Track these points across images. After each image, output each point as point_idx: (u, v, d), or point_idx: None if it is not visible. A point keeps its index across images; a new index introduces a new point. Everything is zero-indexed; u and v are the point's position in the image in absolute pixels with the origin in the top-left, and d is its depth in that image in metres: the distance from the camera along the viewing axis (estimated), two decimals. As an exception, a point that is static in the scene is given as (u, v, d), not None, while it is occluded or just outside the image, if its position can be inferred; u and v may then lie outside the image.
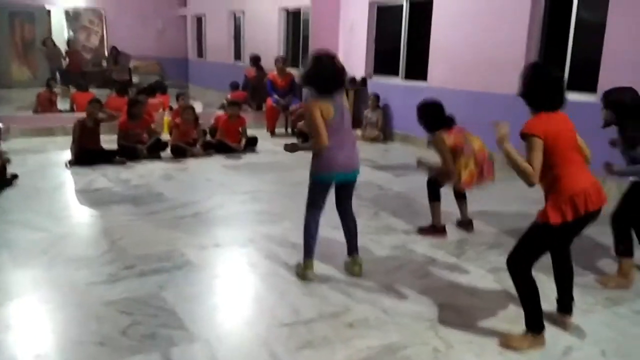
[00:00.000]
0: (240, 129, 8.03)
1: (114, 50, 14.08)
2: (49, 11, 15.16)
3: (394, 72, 9.44)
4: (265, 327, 3.09)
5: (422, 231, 4.73)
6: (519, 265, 2.93)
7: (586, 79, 6.38)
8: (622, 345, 3.05)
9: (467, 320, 3.25)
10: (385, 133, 9.30)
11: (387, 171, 7.04)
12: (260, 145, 8.26)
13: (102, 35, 16.02)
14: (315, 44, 10.38)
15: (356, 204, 3.94)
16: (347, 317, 3.25)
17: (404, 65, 9.33)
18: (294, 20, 11.90)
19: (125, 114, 7.44)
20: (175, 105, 8.81)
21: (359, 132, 9.11)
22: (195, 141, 7.68)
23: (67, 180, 6.27)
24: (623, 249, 3.81)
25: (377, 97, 9.28)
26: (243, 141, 7.99)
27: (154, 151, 7.41)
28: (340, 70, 3.54)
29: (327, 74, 3.48)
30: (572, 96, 6.43)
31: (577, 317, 3.23)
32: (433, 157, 4.71)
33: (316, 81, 3.51)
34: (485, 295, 3.62)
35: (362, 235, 4.02)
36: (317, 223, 3.71)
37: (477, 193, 5.92)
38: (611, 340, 3.08)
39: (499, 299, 3.56)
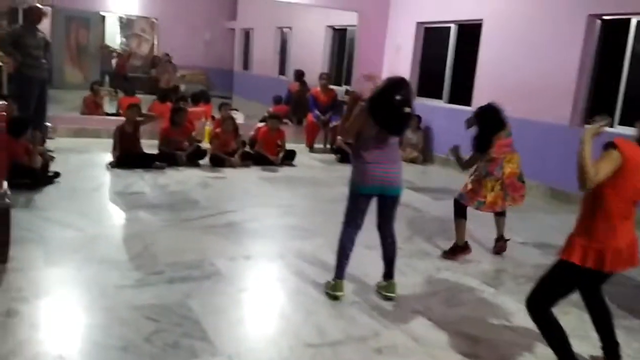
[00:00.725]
0: (279, 141, 8.03)
1: (165, 57, 14.41)
2: (103, 17, 15.65)
3: (438, 95, 9.30)
4: (288, 347, 2.99)
5: (447, 254, 4.62)
6: (539, 305, 2.73)
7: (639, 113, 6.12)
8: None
9: (502, 357, 3.08)
10: (425, 155, 9.16)
11: (424, 193, 6.89)
12: (297, 159, 8.23)
13: (153, 44, 16.41)
14: (361, 63, 10.36)
15: (392, 226, 3.81)
16: (375, 342, 3.12)
17: (448, 88, 9.19)
18: (340, 38, 11.92)
19: (167, 120, 7.55)
20: (217, 115, 8.89)
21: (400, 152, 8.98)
22: (235, 151, 7.71)
23: (106, 181, 6.37)
24: None
25: (419, 119, 9.16)
26: (281, 154, 7.99)
27: (193, 159, 7.46)
28: (396, 120, 3.38)
29: (385, 113, 3.33)
30: (623, 130, 6.23)
31: (623, 363, 3.01)
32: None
33: (372, 108, 3.35)
34: (523, 332, 3.43)
35: (396, 258, 3.89)
36: (353, 243, 3.59)
37: (521, 223, 5.74)
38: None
39: (539, 336, 3.35)
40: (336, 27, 11.91)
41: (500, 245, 4.78)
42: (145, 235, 4.57)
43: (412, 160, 8.92)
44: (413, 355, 3.02)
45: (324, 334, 3.15)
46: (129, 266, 3.88)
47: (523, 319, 3.59)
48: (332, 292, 3.59)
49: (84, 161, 7.19)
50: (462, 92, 8.79)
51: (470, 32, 8.62)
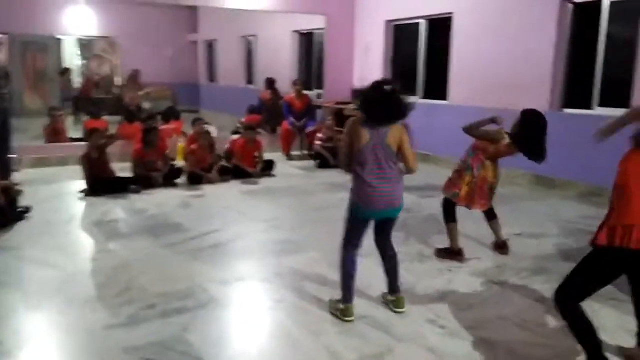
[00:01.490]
0: (256, 153, 7.83)
1: (133, 73, 14.07)
2: (61, 40, 15.20)
3: (412, 92, 9.20)
4: (301, 374, 2.80)
5: (440, 253, 4.54)
6: (567, 299, 2.60)
7: (618, 94, 6.11)
8: None
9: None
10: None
11: (411, 192, 6.69)
12: (276, 168, 8.03)
13: (115, 64, 16.02)
14: (330, 66, 10.23)
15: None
16: (391, 358, 2.95)
17: (422, 84, 9.10)
18: (307, 43, 11.76)
19: (139, 141, 7.25)
20: (189, 131, 8.61)
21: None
22: (211, 167, 7.46)
23: (80, 211, 6.05)
24: None
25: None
26: (260, 166, 7.78)
27: (170, 179, 7.19)
28: (396, 105, 3.30)
29: (381, 103, 3.25)
30: (603, 111, 6.21)
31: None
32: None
33: (367, 108, 3.29)
34: (538, 330, 3.31)
35: (399, 269, 3.72)
36: (355, 264, 3.41)
37: (512, 215, 5.65)
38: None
39: (554, 333, 3.23)
40: (302, 32, 11.75)
41: (503, 252, 4.63)
42: (130, 266, 4.29)
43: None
44: (432, 369, 2.85)
45: (337, 356, 2.96)
46: (116, 303, 3.61)
47: (534, 316, 3.49)
48: (343, 317, 3.36)
49: (54, 191, 6.84)
50: (437, 88, 8.72)
51: (441, 26, 8.56)
